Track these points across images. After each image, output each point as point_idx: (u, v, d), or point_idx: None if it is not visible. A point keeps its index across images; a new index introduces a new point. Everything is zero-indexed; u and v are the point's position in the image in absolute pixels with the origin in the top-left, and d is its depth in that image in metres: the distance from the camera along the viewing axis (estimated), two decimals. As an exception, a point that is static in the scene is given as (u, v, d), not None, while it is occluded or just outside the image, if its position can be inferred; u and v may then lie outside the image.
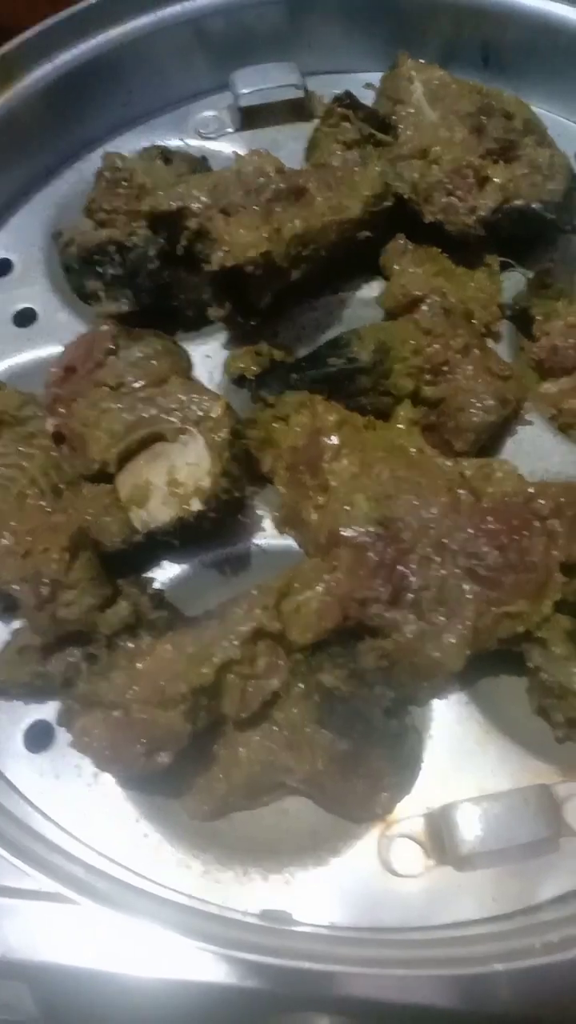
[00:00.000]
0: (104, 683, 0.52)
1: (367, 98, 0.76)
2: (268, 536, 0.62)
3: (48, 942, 0.55)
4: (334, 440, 0.59)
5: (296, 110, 0.79)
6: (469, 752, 0.55)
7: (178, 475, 0.58)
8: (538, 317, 0.66)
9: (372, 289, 0.70)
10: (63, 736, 0.55)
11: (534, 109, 0.76)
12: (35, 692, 0.57)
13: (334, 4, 0.78)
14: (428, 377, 0.62)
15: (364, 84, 0.79)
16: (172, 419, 0.59)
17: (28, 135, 0.76)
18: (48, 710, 0.57)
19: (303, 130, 0.76)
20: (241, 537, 0.62)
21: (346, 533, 0.56)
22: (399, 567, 0.55)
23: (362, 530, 0.56)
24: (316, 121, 0.76)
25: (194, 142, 0.79)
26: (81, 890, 0.48)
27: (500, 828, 0.50)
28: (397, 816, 0.53)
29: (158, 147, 0.73)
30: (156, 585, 0.59)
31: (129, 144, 0.79)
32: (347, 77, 0.81)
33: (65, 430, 0.61)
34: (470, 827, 0.50)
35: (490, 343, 0.67)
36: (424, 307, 0.63)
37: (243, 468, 0.59)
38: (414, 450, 0.60)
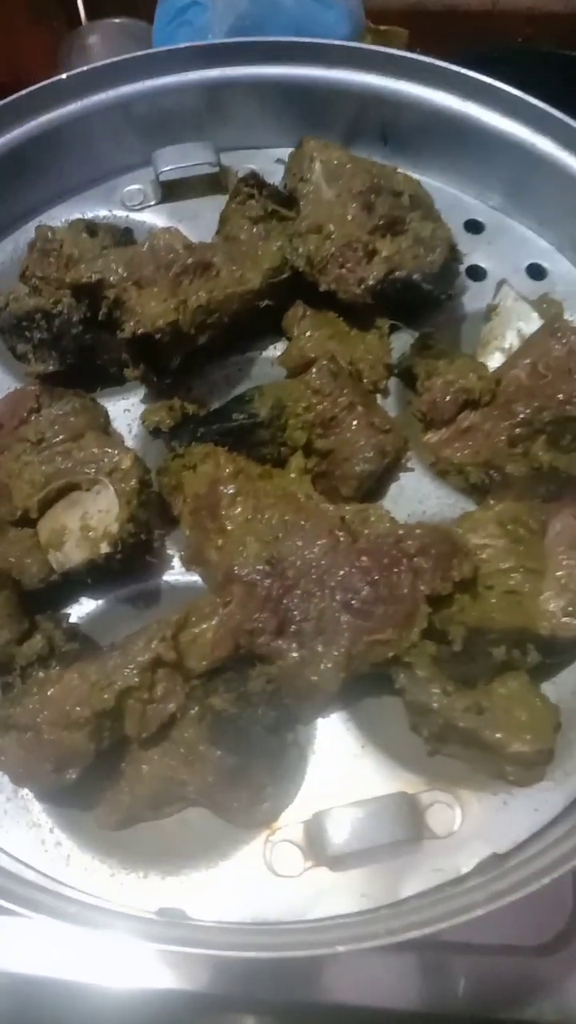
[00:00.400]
0: (18, 708, 0.58)
1: (277, 172, 0.84)
2: (176, 573, 0.69)
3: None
4: (231, 489, 0.66)
5: (212, 184, 0.86)
6: (347, 765, 0.62)
7: (90, 521, 0.65)
8: (421, 375, 0.74)
9: (277, 349, 0.78)
10: (-14, 755, 0.62)
11: (429, 183, 0.85)
12: (-40, 716, 0.63)
13: (248, 89, 0.86)
14: (319, 431, 0.70)
15: (276, 159, 0.88)
16: (87, 470, 0.66)
17: (-31, 210, 0.83)
18: (-27, 733, 0.64)
19: (219, 201, 0.83)
20: (153, 574, 0.69)
21: (239, 571, 0.63)
22: (284, 601, 0.62)
23: (252, 568, 0.63)
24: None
25: (121, 213, 0.86)
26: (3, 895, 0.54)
27: (364, 831, 0.57)
28: (281, 823, 0.60)
29: (84, 220, 0.80)
30: (73, 619, 0.66)
31: (63, 214, 0.86)
32: (260, 152, 0.89)
33: (-8, 480, 0.68)
34: (337, 830, 0.57)
35: (380, 398, 0.75)
36: (314, 370, 0.70)
37: (152, 513, 0.67)
38: (303, 496, 0.67)
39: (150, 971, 0.70)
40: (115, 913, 0.56)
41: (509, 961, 0.72)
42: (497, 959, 0.72)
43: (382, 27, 1.25)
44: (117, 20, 1.29)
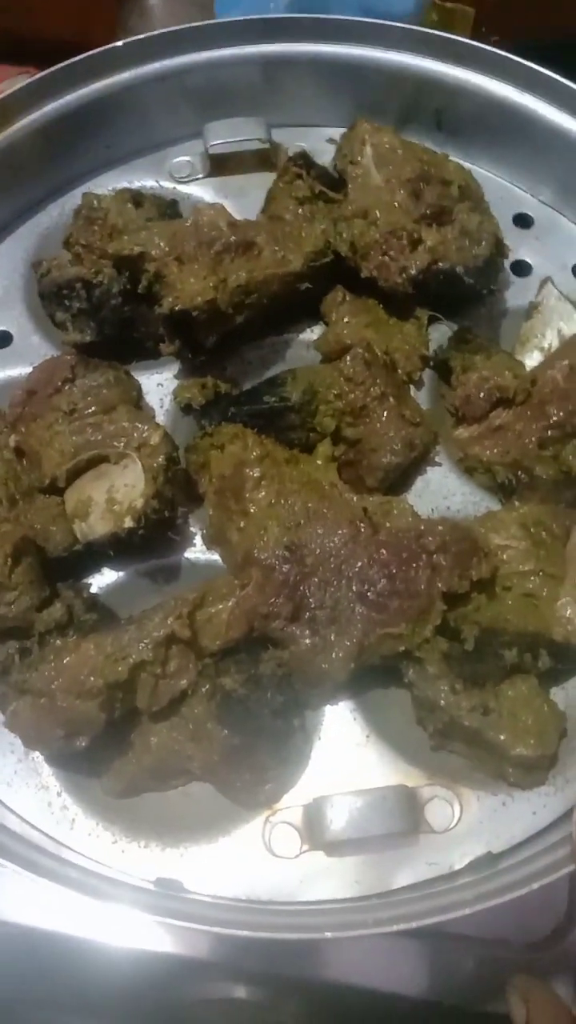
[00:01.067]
0: (34, 674, 0.60)
1: (328, 152, 0.84)
2: (197, 551, 0.70)
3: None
4: (256, 472, 0.67)
5: (262, 160, 0.86)
6: (351, 754, 0.63)
7: (116, 494, 0.66)
8: (457, 368, 0.73)
9: (314, 333, 0.78)
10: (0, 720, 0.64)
11: (481, 172, 0.84)
12: (-23, 677, 0.65)
13: (305, 66, 0.85)
14: (348, 419, 0.70)
15: (327, 139, 0.87)
16: (116, 444, 0.67)
17: (18, 172, 0.83)
18: (-12, 695, 0.65)
19: (268, 178, 0.83)
20: (174, 550, 0.70)
21: (258, 555, 0.64)
22: (301, 588, 0.63)
23: (272, 553, 0.63)
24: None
25: (168, 184, 0.86)
26: (9, 856, 0.56)
27: (362, 820, 0.57)
28: (281, 805, 0.61)
29: (130, 191, 0.80)
30: (94, 590, 0.67)
31: (110, 183, 0.86)
32: (312, 131, 0.88)
33: (24, 446, 0.69)
34: (337, 817, 0.58)
35: (413, 389, 0.75)
36: (348, 357, 0.70)
37: (178, 490, 0.67)
38: (327, 484, 0.68)
39: (148, 934, 0.72)
40: (114, 881, 0.58)
41: (501, 955, 0.73)
42: (489, 952, 0.73)
43: (448, 3, 1.22)
44: (180, -19, 1.27)
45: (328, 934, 0.50)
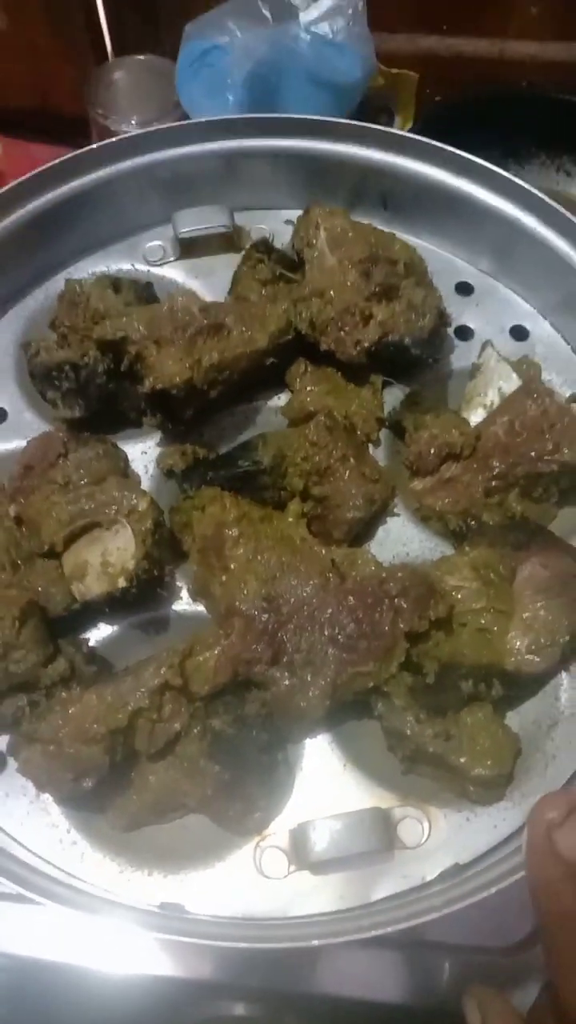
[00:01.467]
0: (43, 723, 0.66)
1: (287, 232, 0.92)
2: (184, 603, 0.77)
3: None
4: (234, 532, 0.74)
5: (227, 242, 0.94)
6: (330, 782, 0.69)
7: (110, 557, 0.73)
8: (409, 428, 0.82)
9: (280, 400, 0.86)
10: (12, 764, 0.70)
11: (424, 246, 0.94)
12: (-11, 727, 0.72)
13: (263, 157, 0.94)
14: (315, 479, 0.78)
15: (285, 220, 0.96)
16: (107, 511, 0.74)
17: (5, 262, 0.91)
18: (1, 743, 0.72)
19: (233, 259, 0.92)
20: (163, 604, 0.77)
21: (239, 606, 0.71)
22: (279, 634, 0.70)
23: (252, 604, 0.71)
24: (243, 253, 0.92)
25: (142, 267, 0.95)
26: (24, 885, 0.62)
27: (342, 840, 0.64)
28: (270, 831, 0.68)
29: (109, 276, 0.88)
30: (91, 643, 0.75)
31: (89, 267, 0.94)
32: (271, 213, 0.97)
33: (24, 515, 0.77)
34: (319, 839, 0.65)
35: (372, 448, 0.83)
36: (312, 424, 0.78)
37: (164, 551, 0.75)
38: (299, 539, 0.76)
39: (148, 959, 0.78)
40: (122, 905, 0.64)
41: (479, 960, 0.79)
42: (468, 958, 0.79)
43: (393, 70, 1.32)
44: (142, 57, 1.33)
45: (315, 942, 0.57)
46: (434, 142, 0.89)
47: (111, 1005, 0.82)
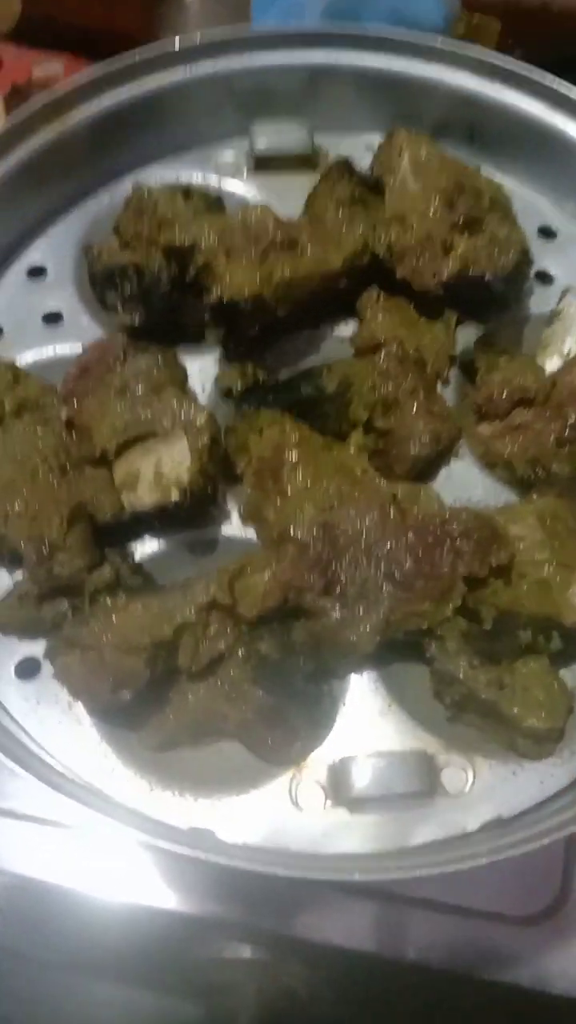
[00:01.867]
0: (84, 629, 0.64)
1: (367, 157, 0.88)
2: (234, 527, 0.74)
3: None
4: (294, 456, 0.71)
5: (303, 161, 0.90)
6: (373, 720, 0.67)
7: (163, 468, 0.70)
8: (481, 369, 0.78)
9: (348, 329, 0.82)
10: (47, 671, 0.68)
11: (510, 184, 0.89)
12: (29, 632, 0.69)
13: (347, 76, 0.90)
14: (380, 411, 0.74)
15: (366, 145, 0.91)
16: (164, 422, 0.71)
17: (71, 161, 0.87)
18: (37, 648, 0.69)
19: (309, 178, 0.87)
20: (212, 525, 0.74)
21: (294, 533, 0.68)
22: (332, 565, 0.67)
23: (307, 532, 0.68)
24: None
25: (213, 180, 0.91)
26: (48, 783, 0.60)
27: (383, 779, 0.62)
28: (307, 764, 0.66)
29: (180, 185, 0.84)
30: (136, 557, 0.72)
31: (157, 175, 0.91)
32: (352, 136, 0.93)
33: (75, 420, 0.74)
34: (360, 776, 0.63)
35: (440, 387, 0.80)
36: (383, 352, 0.75)
37: (219, 469, 0.72)
38: (359, 471, 0.73)
39: (157, 890, 0.77)
40: (150, 819, 0.62)
41: (495, 927, 0.77)
42: (484, 924, 0.77)
43: (476, 17, 1.26)
44: (218, -18, 1.30)
45: (357, 875, 0.55)
46: (534, 71, 0.84)
47: (118, 936, 0.81)
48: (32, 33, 1.19)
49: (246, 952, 0.83)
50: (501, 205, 0.82)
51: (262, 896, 0.76)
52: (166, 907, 0.77)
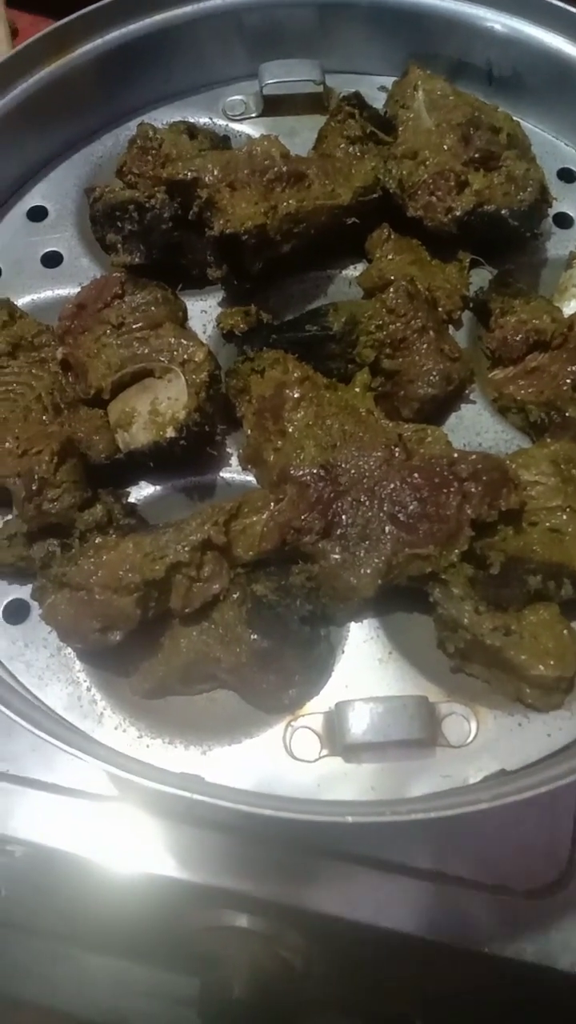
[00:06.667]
0: (73, 568, 0.62)
1: (381, 99, 0.85)
2: (233, 471, 0.72)
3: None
4: (296, 393, 0.68)
5: (314, 103, 0.87)
6: (371, 667, 0.64)
7: (159, 406, 0.67)
8: (496, 311, 0.75)
9: (356, 270, 0.79)
10: (36, 614, 0.66)
11: (529, 126, 0.85)
12: (18, 573, 0.67)
13: (360, 13, 0.87)
14: (388, 351, 0.71)
15: (379, 87, 0.88)
16: (161, 359, 0.69)
17: (76, 99, 0.85)
18: (26, 591, 0.67)
19: (319, 120, 0.84)
20: (210, 468, 0.72)
21: (294, 472, 0.65)
22: (334, 505, 0.64)
23: (307, 471, 0.65)
24: (330, 114, 0.85)
25: (221, 121, 0.88)
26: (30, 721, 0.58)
27: (382, 725, 0.59)
28: (303, 711, 0.63)
29: (185, 122, 0.82)
30: (131, 499, 0.69)
31: (164, 117, 0.88)
32: (364, 78, 0.90)
33: (71, 358, 0.71)
34: (357, 721, 0.60)
35: (451, 329, 0.77)
36: (392, 290, 0.72)
37: (217, 408, 0.69)
38: (364, 410, 0.70)
39: (156, 858, 0.74)
40: (140, 762, 0.60)
41: (500, 901, 0.74)
42: (488, 897, 0.74)
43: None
44: None
45: (350, 818, 0.52)
46: (555, 2, 0.80)
47: (116, 902, 0.79)
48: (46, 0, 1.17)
49: (242, 921, 0.80)
50: (519, 142, 0.79)
51: (262, 864, 0.74)
52: (164, 873, 0.75)
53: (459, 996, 0.83)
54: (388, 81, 0.86)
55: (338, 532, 0.64)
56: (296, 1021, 0.86)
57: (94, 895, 0.79)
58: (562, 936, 0.73)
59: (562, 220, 0.83)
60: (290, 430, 0.68)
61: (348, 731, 0.59)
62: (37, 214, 0.84)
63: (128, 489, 0.70)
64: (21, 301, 0.78)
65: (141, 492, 0.71)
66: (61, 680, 0.65)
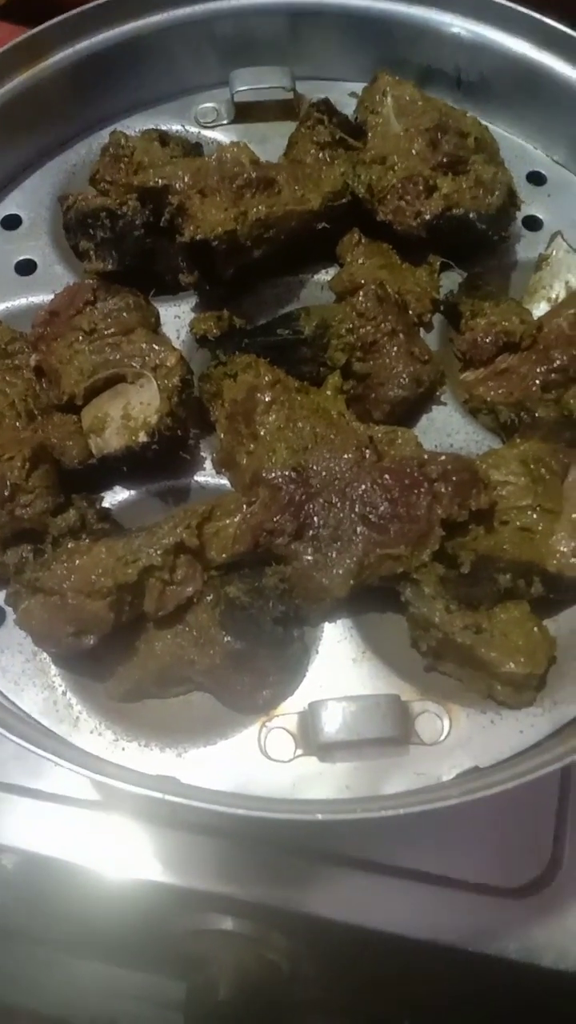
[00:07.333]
0: (46, 573, 0.62)
1: (350, 105, 0.86)
2: (207, 474, 0.72)
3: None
4: (268, 397, 0.69)
5: (285, 109, 0.88)
6: (345, 667, 0.65)
7: (132, 411, 0.68)
8: (466, 313, 0.76)
9: (328, 275, 0.80)
10: (11, 619, 0.66)
11: (497, 130, 0.87)
12: (-9, 579, 0.67)
13: (330, 20, 0.88)
14: (359, 354, 0.72)
15: (349, 92, 0.89)
16: (133, 364, 0.69)
17: (48, 108, 0.85)
18: (0, 596, 0.67)
19: (289, 127, 0.85)
20: (184, 472, 0.72)
21: (266, 475, 0.66)
22: (305, 507, 0.65)
23: (279, 474, 0.66)
24: (301, 121, 0.85)
25: (193, 129, 0.89)
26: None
27: (355, 723, 0.60)
28: (278, 712, 0.63)
29: (157, 130, 0.82)
30: (105, 504, 0.70)
31: (137, 124, 0.88)
32: (335, 84, 0.90)
33: (44, 365, 0.72)
34: (331, 720, 0.60)
35: (422, 332, 0.77)
36: (361, 293, 0.72)
37: (190, 412, 0.69)
38: (335, 413, 0.70)
39: (142, 863, 0.75)
40: (116, 766, 0.60)
41: (483, 899, 0.75)
42: (471, 895, 0.75)
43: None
44: None
45: (320, 816, 0.53)
46: (520, 7, 0.81)
47: (103, 907, 0.79)
48: (26, 10, 1.18)
49: (227, 924, 0.81)
50: (487, 146, 0.80)
51: (247, 867, 0.75)
52: (151, 878, 0.76)
53: (444, 995, 0.83)
54: (358, 87, 0.87)
55: (310, 533, 0.65)
56: (282, 1023, 0.87)
57: (81, 900, 0.79)
58: (545, 934, 0.74)
59: (531, 223, 0.84)
60: (262, 433, 0.68)
61: (322, 730, 0.60)
62: (11, 222, 0.85)
63: (102, 494, 0.71)
64: (-5, 309, 0.79)
65: (115, 497, 0.71)
66: (36, 685, 0.65)
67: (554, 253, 0.79)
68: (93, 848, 0.76)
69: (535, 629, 0.63)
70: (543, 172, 0.87)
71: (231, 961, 0.81)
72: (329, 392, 0.72)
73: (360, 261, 0.77)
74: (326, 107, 0.80)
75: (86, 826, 0.76)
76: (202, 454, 0.73)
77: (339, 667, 0.65)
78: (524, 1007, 0.81)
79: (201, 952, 0.82)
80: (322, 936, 0.78)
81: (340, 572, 0.64)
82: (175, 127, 0.89)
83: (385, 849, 0.75)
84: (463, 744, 0.63)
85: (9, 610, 0.66)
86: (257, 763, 0.62)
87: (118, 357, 0.69)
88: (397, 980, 0.83)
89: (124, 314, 0.72)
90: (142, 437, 0.66)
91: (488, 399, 0.74)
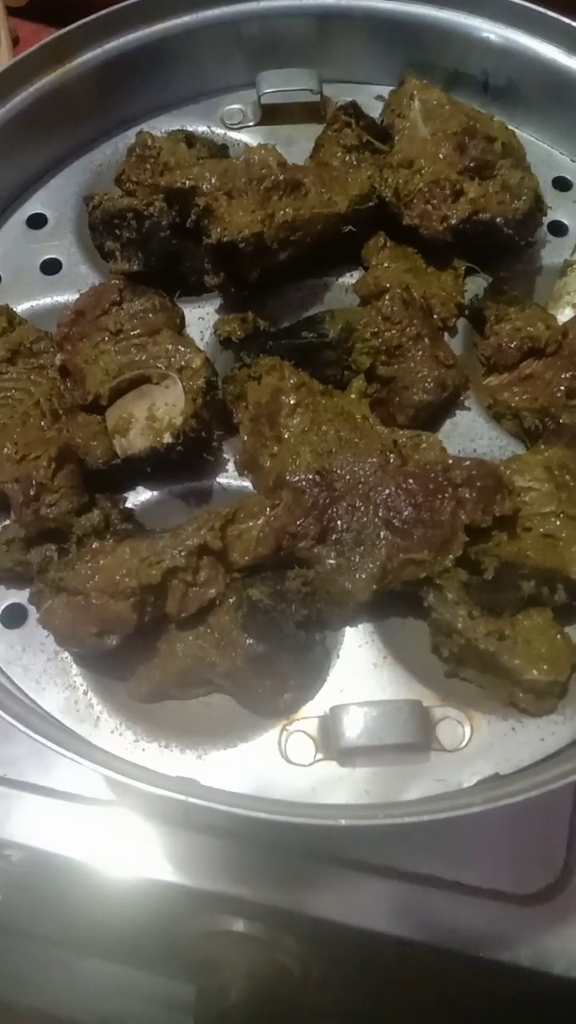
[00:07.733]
0: (70, 572, 0.62)
1: (377, 108, 0.86)
2: (230, 476, 0.72)
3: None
4: (292, 400, 0.69)
5: (311, 112, 0.88)
6: (366, 672, 0.65)
7: (157, 412, 0.68)
8: (491, 318, 0.75)
9: (353, 278, 0.80)
10: (33, 618, 0.66)
11: (524, 135, 0.86)
12: (16, 577, 0.67)
13: (357, 23, 0.88)
14: (383, 358, 0.72)
15: (376, 96, 0.89)
16: (159, 365, 0.69)
17: (75, 109, 0.86)
18: (24, 595, 0.67)
19: (316, 129, 0.85)
20: (207, 474, 0.72)
21: (290, 478, 0.66)
22: (329, 511, 0.65)
23: (303, 477, 0.66)
24: (327, 123, 0.85)
25: (219, 130, 0.89)
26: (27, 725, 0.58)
27: (376, 728, 0.60)
28: (298, 715, 0.63)
29: (184, 131, 0.83)
30: (128, 504, 0.70)
31: (162, 125, 0.88)
32: (362, 87, 0.90)
33: (69, 364, 0.72)
34: (352, 725, 0.60)
35: (447, 336, 0.77)
36: (387, 297, 0.72)
37: (214, 414, 0.70)
38: (359, 417, 0.70)
39: (154, 863, 0.75)
40: (136, 766, 0.60)
41: (494, 905, 0.74)
42: (483, 901, 0.75)
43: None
44: None
45: (343, 821, 0.53)
46: (551, 12, 0.81)
47: (113, 907, 0.79)
48: (47, 10, 1.18)
49: (239, 926, 0.81)
50: (514, 150, 0.79)
51: (260, 868, 0.74)
52: (161, 878, 0.75)
53: (455, 1001, 0.83)
54: (385, 90, 0.87)
55: (333, 537, 0.65)
56: (292, 1027, 0.87)
57: (91, 900, 0.79)
58: (557, 941, 0.73)
59: (557, 228, 0.84)
60: (286, 436, 0.68)
61: (343, 735, 0.60)
62: (36, 221, 0.85)
63: (126, 494, 0.71)
64: (20, 308, 0.79)
65: (138, 497, 0.71)
66: (58, 684, 0.65)
67: (580, 259, 0.79)
68: (104, 847, 0.75)
69: (558, 636, 0.63)
70: (569, 178, 0.87)
71: (242, 964, 0.81)
72: (353, 395, 0.72)
73: (385, 265, 0.77)
74: (354, 110, 0.80)
75: (97, 825, 0.76)
76: (225, 456, 0.73)
77: (360, 672, 0.65)
78: (535, 1014, 0.81)
79: (212, 954, 0.82)
80: (334, 940, 0.78)
81: (363, 576, 0.64)
82: (201, 128, 0.89)
83: (397, 854, 0.75)
84: (484, 751, 0.62)
85: (32, 609, 0.66)
86: (277, 766, 0.62)
87: (143, 358, 0.69)
88: (407, 984, 0.83)
89: (150, 315, 0.72)
90: (167, 438, 0.66)
91: (512, 404, 0.73)
